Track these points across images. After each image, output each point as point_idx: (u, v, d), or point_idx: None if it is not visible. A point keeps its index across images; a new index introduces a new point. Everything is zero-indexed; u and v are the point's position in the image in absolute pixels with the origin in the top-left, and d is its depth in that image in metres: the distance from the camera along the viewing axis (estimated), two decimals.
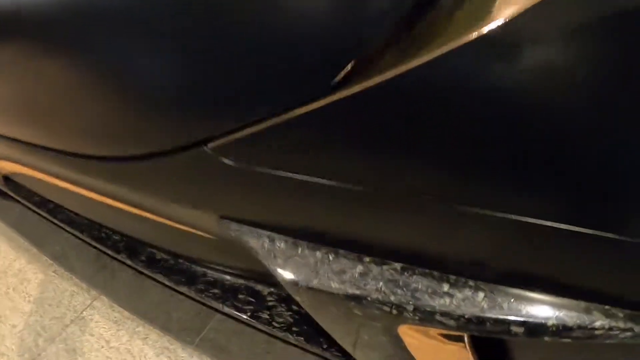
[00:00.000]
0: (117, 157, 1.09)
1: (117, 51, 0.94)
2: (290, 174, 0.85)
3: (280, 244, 0.95)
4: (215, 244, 1.16)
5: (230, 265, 1.28)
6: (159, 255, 1.40)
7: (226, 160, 0.90)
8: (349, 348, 0.99)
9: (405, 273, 0.85)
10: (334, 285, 0.88)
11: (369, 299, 0.85)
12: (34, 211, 1.66)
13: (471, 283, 0.80)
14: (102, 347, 1.42)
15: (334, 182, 0.81)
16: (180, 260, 1.38)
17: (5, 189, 1.74)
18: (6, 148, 1.46)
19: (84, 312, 1.52)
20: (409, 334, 0.87)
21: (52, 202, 1.65)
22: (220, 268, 1.32)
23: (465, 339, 0.83)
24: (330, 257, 0.91)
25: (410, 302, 0.82)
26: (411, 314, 0.82)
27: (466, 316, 0.79)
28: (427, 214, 0.76)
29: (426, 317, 0.81)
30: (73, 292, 1.60)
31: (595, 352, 0.82)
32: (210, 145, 0.91)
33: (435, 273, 0.83)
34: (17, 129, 1.32)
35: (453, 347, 0.85)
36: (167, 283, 1.32)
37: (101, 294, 1.56)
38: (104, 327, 1.47)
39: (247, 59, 0.78)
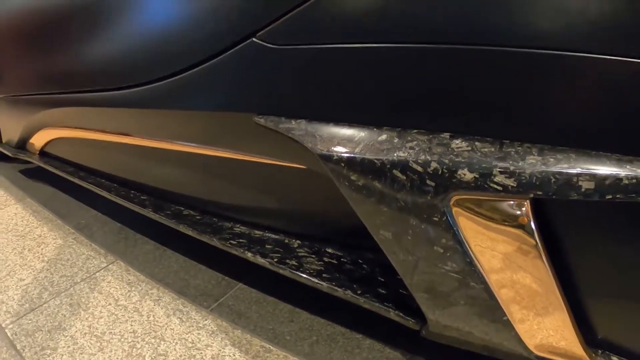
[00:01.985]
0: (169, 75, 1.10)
1: None
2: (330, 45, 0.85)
3: (319, 124, 0.87)
4: (246, 169, 1.15)
5: (261, 206, 1.19)
6: (186, 211, 1.32)
7: (277, 46, 0.91)
8: (387, 246, 0.90)
9: (455, 140, 0.76)
10: (377, 156, 0.79)
11: (417, 162, 0.75)
12: (67, 179, 1.63)
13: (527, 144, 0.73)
14: (110, 304, 1.32)
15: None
16: (207, 216, 1.29)
17: (41, 163, 1.73)
18: (46, 115, 1.51)
19: (97, 274, 1.43)
20: (462, 210, 0.78)
21: (83, 169, 1.64)
22: (250, 220, 1.23)
23: (526, 209, 0.74)
24: (373, 131, 0.85)
25: (464, 164, 0.72)
26: (465, 178, 0.73)
27: (528, 173, 0.70)
28: None
29: (483, 180, 0.74)
30: (89, 255, 1.52)
31: None
32: (259, 34, 0.93)
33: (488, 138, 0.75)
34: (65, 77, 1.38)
35: (512, 221, 0.74)
36: (192, 233, 1.22)
37: (118, 259, 1.47)
38: (115, 288, 1.37)
39: None
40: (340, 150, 0.84)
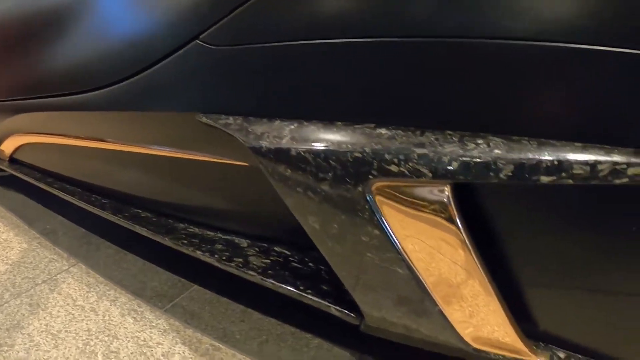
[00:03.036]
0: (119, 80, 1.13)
1: None
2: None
3: (253, 120, 0.90)
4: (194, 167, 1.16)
5: (210, 206, 1.22)
6: (144, 213, 1.35)
7: (218, 47, 0.94)
8: (317, 237, 0.93)
9: (379, 129, 0.78)
10: (302, 146, 0.82)
11: (339, 151, 0.78)
12: (35, 185, 1.66)
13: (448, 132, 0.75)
14: (68, 304, 1.34)
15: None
16: (163, 218, 1.32)
17: (11, 170, 1.75)
18: (14, 121, 1.53)
19: (58, 276, 1.45)
20: (384, 198, 0.81)
21: (50, 174, 1.67)
22: (203, 221, 1.26)
23: (447, 195, 0.76)
24: (300, 123, 0.87)
25: (384, 151, 0.75)
26: (385, 164, 0.76)
27: (447, 159, 0.73)
28: None
29: (402, 166, 0.77)
30: (52, 259, 1.54)
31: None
32: (202, 36, 0.95)
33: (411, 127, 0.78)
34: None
35: (433, 207, 0.76)
36: (146, 234, 1.25)
37: (80, 262, 1.49)
38: (75, 289, 1.39)
39: None
40: (269, 142, 0.86)
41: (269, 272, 1.11)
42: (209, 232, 1.25)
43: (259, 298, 1.30)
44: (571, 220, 0.77)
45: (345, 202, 0.82)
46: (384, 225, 0.82)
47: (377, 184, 0.79)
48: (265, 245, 1.18)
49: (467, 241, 0.79)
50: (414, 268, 0.85)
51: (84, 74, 1.22)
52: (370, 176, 0.79)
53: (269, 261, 1.13)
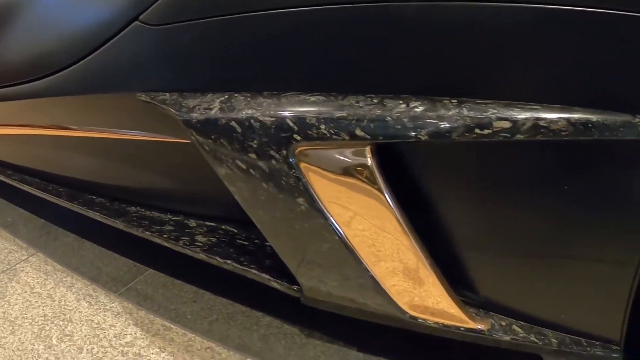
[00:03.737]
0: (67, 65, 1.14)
1: None
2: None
3: (188, 95, 0.92)
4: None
5: (158, 188, 1.23)
6: (98, 199, 1.36)
7: (156, 27, 0.95)
8: (248, 207, 0.95)
9: (302, 95, 0.80)
10: (228, 115, 0.84)
11: (262, 117, 0.79)
12: None
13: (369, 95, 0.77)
14: (25, 292, 1.36)
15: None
16: (116, 202, 1.33)
17: None
18: None
19: (17, 265, 1.46)
20: (307, 163, 0.82)
21: (7, 167, 1.67)
22: (153, 203, 1.27)
23: (368, 155, 0.78)
24: (229, 94, 0.89)
25: (304, 115, 0.76)
26: (306, 128, 0.79)
27: (367, 119, 0.74)
28: None
29: (322, 129, 0.78)
30: (12, 250, 1.55)
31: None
32: (141, 17, 0.97)
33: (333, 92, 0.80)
34: None
35: (355, 169, 0.78)
36: (99, 218, 1.27)
37: (39, 251, 1.51)
38: (33, 277, 1.40)
39: None
40: (199, 114, 0.88)
41: (215, 249, 1.12)
42: (159, 214, 1.26)
43: (212, 280, 1.33)
44: (500, 180, 0.78)
45: (270, 168, 0.84)
46: (310, 190, 0.83)
47: (300, 148, 0.80)
48: (213, 224, 1.20)
49: (391, 204, 0.80)
50: (342, 234, 0.86)
51: (32, 63, 1.23)
52: (293, 141, 0.80)
53: (215, 239, 1.15)
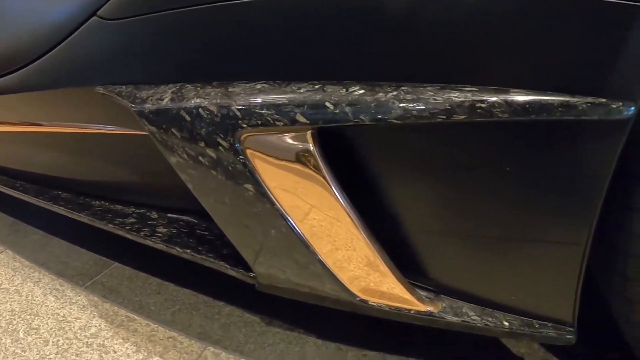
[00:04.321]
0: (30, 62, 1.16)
1: None
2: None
3: (142, 86, 0.94)
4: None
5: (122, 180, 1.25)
6: (64, 194, 1.38)
7: (113, 21, 0.97)
8: (199, 194, 0.97)
9: (248, 84, 0.83)
10: (178, 104, 0.86)
11: (209, 105, 0.82)
12: None
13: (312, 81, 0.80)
14: None
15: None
16: (81, 197, 1.35)
17: None
18: None
19: None
20: (252, 148, 0.85)
21: None
22: (115, 196, 1.29)
23: (310, 140, 0.81)
24: (180, 85, 0.92)
25: (248, 103, 0.79)
26: (250, 115, 0.82)
27: (307, 105, 0.77)
28: None
29: (267, 116, 0.81)
30: None
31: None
32: (99, 12, 0.99)
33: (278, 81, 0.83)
34: None
35: (298, 155, 0.81)
36: (65, 213, 1.29)
37: (8, 249, 1.52)
38: (1, 274, 1.43)
39: None
40: (151, 105, 0.90)
41: (175, 239, 1.14)
42: (123, 207, 1.28)
43: (177, 271, 1.36)
44: (444, 162, 0.81)
45: (218, 156, 0.87)
46: (256, 176, 0.86)
47: (245, 134, 0.83)
48: (174, 216, 1.22)
49: (334, 189, 0.83)
50: (288, 219, 0.88)
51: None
52: (239, 128, 0.83)
53: (175, 230, 1.17)
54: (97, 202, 1.32)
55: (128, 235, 1.17)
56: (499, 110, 0.69)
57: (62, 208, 1.31)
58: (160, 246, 1.13)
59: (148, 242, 1.15)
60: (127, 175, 1.25)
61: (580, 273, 0.83)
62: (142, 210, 1.26)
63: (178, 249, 1.11)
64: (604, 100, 0.67)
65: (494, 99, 0.69)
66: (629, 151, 0.74)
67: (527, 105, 0.68)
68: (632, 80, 0.66)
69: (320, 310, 1.03)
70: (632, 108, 0.67)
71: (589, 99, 0.67)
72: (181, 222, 1.19)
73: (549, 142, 0.74)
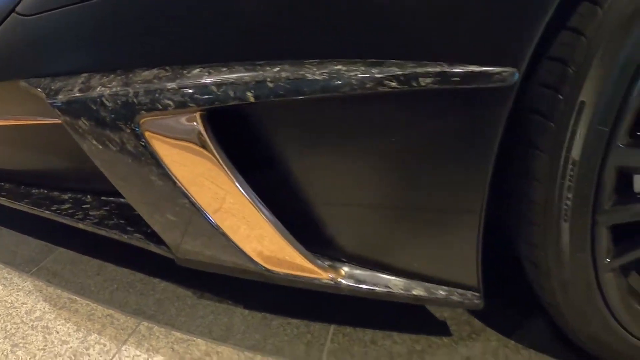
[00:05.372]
0: None
1: None
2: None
3: (56, 80, 1.00)
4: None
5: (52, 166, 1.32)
6: (6, 185, 1.44)
7: (29, 16, 1.02)
8: (108, 175, 1.04)
9: (144, 72, 0.90)
10: (86, 93, 0.92)
11: (110, 94, 0.88)
12: None
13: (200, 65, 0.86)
14: None
15: None
16: (22, 187, 1.41)
17: None
18: None
19: None
20: (150, 131, 0.91)
21: None
22: (51, 184, 1.36)
23: (199, 121, 0.87)
24: (89, 75, 0.98)
25: (145, 89, 0.86)
26: (144, 100, 0.88)
27: (193, 84, 0.84)
28: None
29: (157, 100, 0.88)
30: None
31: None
32: (17, 8, 1.04)
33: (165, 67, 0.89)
34: None
35: (190, 136, 0.88)
36: (6, 203, 1.36)
37: None
38: None
39: None
40: (63, 95, 0.97)
41: (105, 221, 1.21)
42: (60, 194, 1.35)
43: (117, 253, 1.43)
44: (334, 135, 0.87)
45: (122, 140, 0.93)
46: (156, 156, 0.92)
47: (144, 119, 0.90)
48: (106, 199, 1.29)
49: (225, 166, 0.90)
50: (189, 196, 0.95)
51: None
52: (137, 112, 0.89)
53: (106, 212, 1.24)
54: (37, 190, 1.38)
55: (63, 220, 1.24)
56: (385, 83, 0.75)
57: (4, 199, 1.37)
58: (91, 228, 1.19)
59: (80, 225, 1.22)
60: (60, 162, 1.31)
61: (479, 240, 0.89)
62: (78, 196, 1.33)
63: (107, 230, 1.18)
64: (486, 68, 0.72)
65: (377, 72, 0.75)
66: (525, 119, 0.80)
67: (411, 77, 0.74)
68: (513, 46, 0.71)
69: (247, 283, 1.11)
70: (516, 75, 0.72)
71: (472, 68, 0.72)
72: (112, 205, 1.26)
73: (436, 112, 0.79)
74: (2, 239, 1.58)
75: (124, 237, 1.15)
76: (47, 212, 1.26)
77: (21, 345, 1.19)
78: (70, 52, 1.00)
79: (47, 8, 0.99)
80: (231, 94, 0.81)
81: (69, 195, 1.33)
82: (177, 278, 1.31)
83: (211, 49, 0.85)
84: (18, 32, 1.06)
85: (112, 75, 0.93)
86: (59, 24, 0.99)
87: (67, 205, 1.29)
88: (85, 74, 0.98)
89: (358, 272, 1.01)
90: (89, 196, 1.31)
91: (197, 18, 0.84)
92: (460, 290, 0.96)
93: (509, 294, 1.08)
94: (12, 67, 1.10)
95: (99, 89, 0.92)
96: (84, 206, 1.28)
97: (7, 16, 1.06)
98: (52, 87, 0.99)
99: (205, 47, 0.86)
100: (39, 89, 1.01)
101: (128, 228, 1.17)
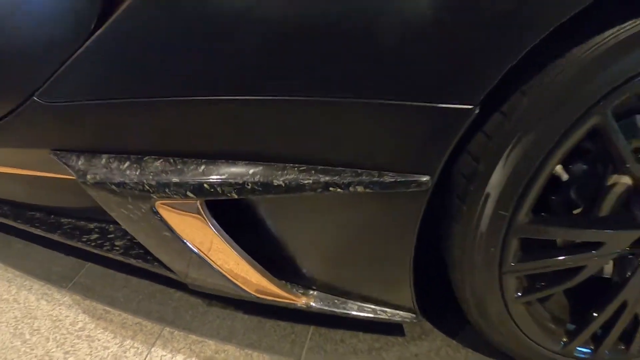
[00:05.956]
0: None
1: None
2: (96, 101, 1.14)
3: (81, 158, 1.25)
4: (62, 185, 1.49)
5: (78, 206, 1.59)
6: (38, 215, 1.71)
7: (49, 102, 1.18)
8: (133, 234, 1.34)
9: (155, 162, 1.15)
10: (109, 177, 1.19)
11: (130, 184, 1.16)
12: None
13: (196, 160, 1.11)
14: None
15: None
16: (53, 217, 1.69)
17: None
18: None
19: None
20: (166, 210, 1.18)
21: None
22: (81, 215, 1.63)
23: (200, 207, 1.14)
24: (111, 161, 1.21)
25: (158, 180, 1.12)
26: (158, 190, 1.13)
27: (192, 182, 1.09)
28: None
29: (166, 190, 1.12)
30: None
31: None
32: (37, 93, 1.19)
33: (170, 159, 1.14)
34: None
35: (194, 213, 1.15)
36: (42, 234, 1.64)
37: None
38: None
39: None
40: (90, 177, 1.24)
41: (130, 251, 1.50)
42: (86, 223, 1.64)
43: (137, 267, 1.63)
44: (300, 212, 1.16)
45: (142, 214, 1.21)
46: (169, 226, 1.21)
47: (158, 202, 1.18)
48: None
49: (218, 233, 1.18)
50: (195, 251, 1.25)
51: None
52: (152, 198, 1.17)
53: (129, 242, 1.53)
54: (66, 219, 1.67)
55: (94, 251, 1.53)
56: (331, 190, 1.03)
57: (38, 229, 1.65)
58: (119, 258, 1.49)
59: (110, 255, 1.51)
60: (84, 201, 1.59)
61: (410, 278, 1.17)
62: (102, 225, 1.61)
63: (133, 260, 1.47)
64: (407, 178, 0.98)
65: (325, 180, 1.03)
66: (448, 199, 1.04)
67: (349, 184, 1.03)
68: (428, 160, 0.96)
69: None
70: (429, 181, 0.95)
71: (397, 178, 1.00)
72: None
73: (370, 206, 1.09)
74: (37, 256, 1.84)
75: (147, 266, 1.44)
76: (79, 243, 1.55)
77: (71, 352, 1.48)
78: (90, 136, 1.23)
79: (69, 99, 1.18)
80: (220, 191, 1.08)
81: (95, 224, 1.61)
82: (189, 289, 1.56)
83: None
84: (40, 116, 1.23)
85: (128, 163, 1.19)
86: (79, 113, 1.19)
87: (95, 236, 1.56)
88: (105, 156, 1.22)
89: (324, 297, 1.32)
90: (111, 225, 1.59)
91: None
92: (401, 312, 1.29)
93: (455, 302, 1.30)
94: (38, 141, 1.33)
95: (120, 175, 1.18)
96: (109, 236, 1.55)
97: (27, 100, 1.21)
98: (80, 167, 1.24)
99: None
100: (67, 167, 1.26)
101: (149, 257, 1.46)
